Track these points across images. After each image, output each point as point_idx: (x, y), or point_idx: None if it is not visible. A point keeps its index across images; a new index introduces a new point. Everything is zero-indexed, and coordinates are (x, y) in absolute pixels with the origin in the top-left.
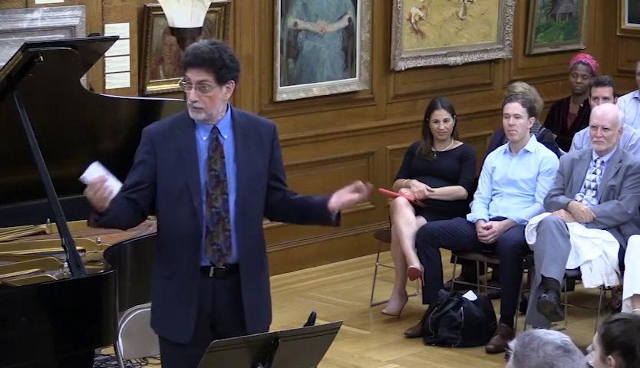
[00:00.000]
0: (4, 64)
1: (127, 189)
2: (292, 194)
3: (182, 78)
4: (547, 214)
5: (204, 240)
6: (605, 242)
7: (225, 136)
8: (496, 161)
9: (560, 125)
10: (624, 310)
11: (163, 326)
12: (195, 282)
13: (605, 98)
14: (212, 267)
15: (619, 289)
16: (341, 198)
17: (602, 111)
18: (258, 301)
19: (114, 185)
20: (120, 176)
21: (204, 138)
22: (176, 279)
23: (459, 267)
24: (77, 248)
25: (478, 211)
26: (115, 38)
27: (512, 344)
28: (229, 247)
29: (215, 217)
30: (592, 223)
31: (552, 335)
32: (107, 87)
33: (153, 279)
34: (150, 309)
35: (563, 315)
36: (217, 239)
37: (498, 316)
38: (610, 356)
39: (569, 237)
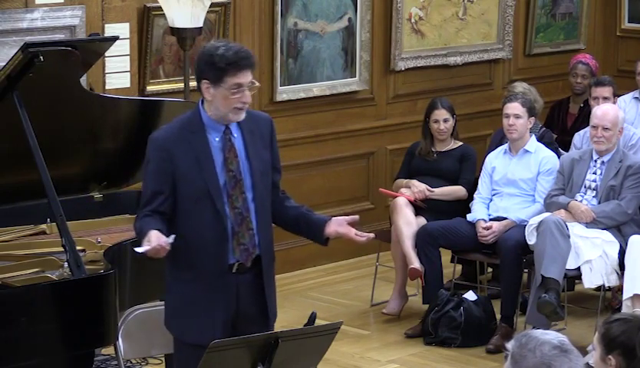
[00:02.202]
0: (4, 64)
1: (153, 203)
2: (287, 199)
3: (225, 85)
4: (547, 214)
5: (231, 241)
6: (605, 242)
7: (235, 135)
8: (496, 161)
9: (560, 125)
10: (624, 310)
11: (187, 329)
12: (221, 282)
13: (605, 98)
14: (236, 264)
15: (619, 289)
16: (339, 228)
17: (603, 111)
18: (273, 292)
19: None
20: (120, 176)
21: (216, 139)
22: (200, 281)
23: (459, 267)
24: (77, 248)
25: (478, 212)
26: (115, 38)
27: (509, 345)
28: (254, 245)
29: (238, 217)
30: (592, 223)
31: (549, 335)
32: (107, 87)
33: (168, 283)
34: (147, 309)
35: (563, 315)
36: (243, 239)
37: (498, 316)
38: (610, 356)
39: (569, 237)
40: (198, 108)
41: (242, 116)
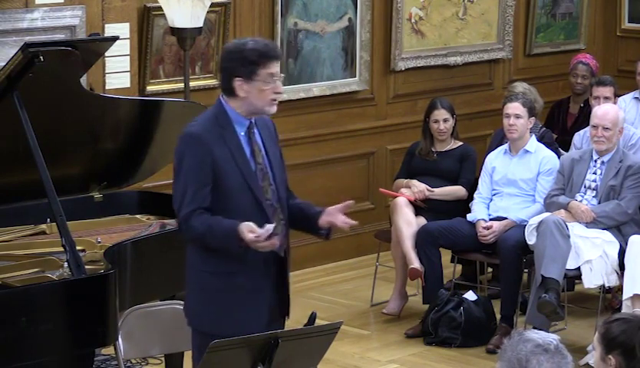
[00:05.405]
0: (4, 64)
1: (198, 198)
2: (292, 197)
3: (276, 75)
4: (547, 214)
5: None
6: (605, 242)
7: (254, 130)
8: (496, 161)
9: (560, 125)
10: (624, 310)
11: (227, 322)
12: (265, 271)
13: (607, 98)
14: (274, 255)
15: (619, 289)
16: (329, 218)
17: (603, 111)
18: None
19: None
20: (120, 176)
21: (242, 133)
22: (243, 273)
23: (459, 267)
24: (77, 248)
25: (478, 211)
26: (115, 38)
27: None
28: (285, 235)
29: (270, 209)
30: (592, 223)
31: (540, 334)
32: (107, 87)
33: (201, 277)
34: (147, 309)
35: (563, 315)
36: (277, 230)
37: (498, 316)
38: (610, 356)
39: (569, 237)
40: (221, 104)
41: (275, 108)
